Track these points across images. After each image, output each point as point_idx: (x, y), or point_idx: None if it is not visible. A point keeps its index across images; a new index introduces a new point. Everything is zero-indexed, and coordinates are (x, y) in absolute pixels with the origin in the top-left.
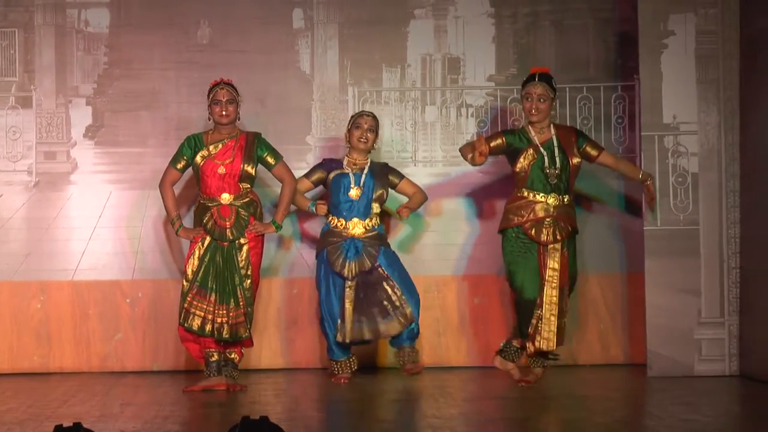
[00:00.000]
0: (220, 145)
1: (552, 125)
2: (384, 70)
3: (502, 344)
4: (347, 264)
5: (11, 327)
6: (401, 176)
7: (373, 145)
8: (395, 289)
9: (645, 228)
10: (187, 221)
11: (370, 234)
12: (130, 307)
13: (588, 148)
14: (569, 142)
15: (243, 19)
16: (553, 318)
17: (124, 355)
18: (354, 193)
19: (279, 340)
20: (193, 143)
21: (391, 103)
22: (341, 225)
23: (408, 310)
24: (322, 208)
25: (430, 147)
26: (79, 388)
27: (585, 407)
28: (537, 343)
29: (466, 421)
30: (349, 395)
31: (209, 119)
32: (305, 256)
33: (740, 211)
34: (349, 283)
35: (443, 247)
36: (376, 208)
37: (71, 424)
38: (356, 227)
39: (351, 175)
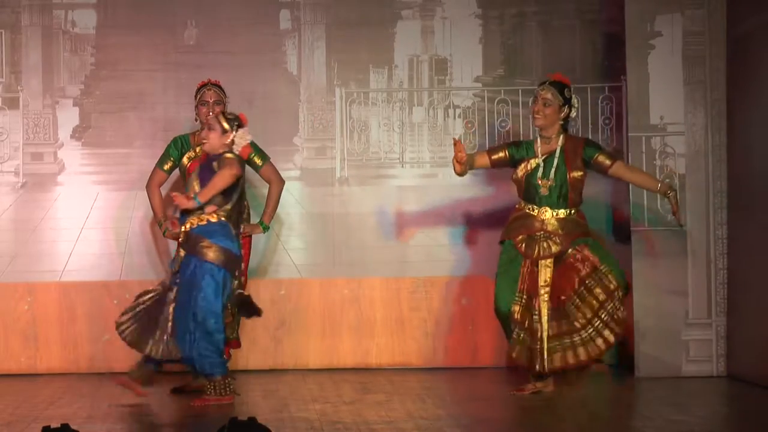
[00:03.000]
0: None
1: (563, 136)
2: (371, 71)
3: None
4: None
5: None
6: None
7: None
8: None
9: (632, 229)
10: None
11: (197, 227)
12: (118, 309)
13: (600, 158)
14: (575, 153)
15: (230, 20)
16: (554, 339)
17: (111, 356)
18: None
19: (267, 341)
20: (180, 144)
21: (379, 104)
22: None
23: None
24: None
25: (417, 148)
26: (66, 389)
27: (574, 408)
28: (538, 366)
29: (454, 422)
30: (335, 396)
31: (196, 120)
32: (293, 256)
33: (728, 212)
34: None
35: (431, 248)
36: (197, 190)
37: (59, 426)
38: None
39: None
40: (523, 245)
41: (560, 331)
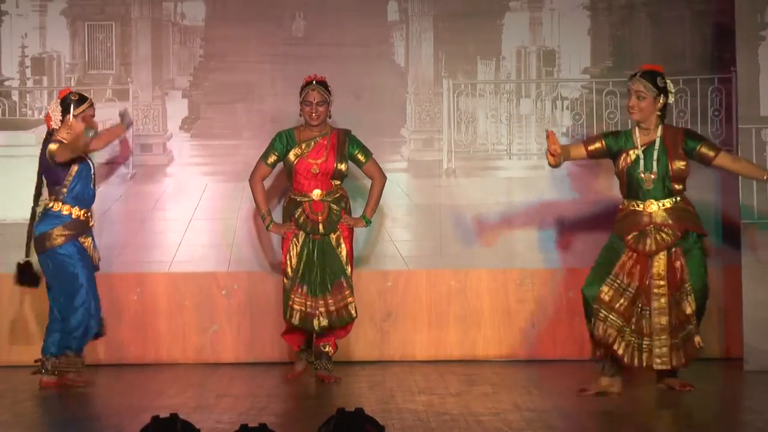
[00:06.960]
0: (313, 143)
1: (661, 126)
2: (479, 63)
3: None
4: None
5: (108, 319)
6: None
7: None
8: None
9: (742, 221)
10: (277, 213)
11: None
12: (226, 299)
13: (704, 150)
14: (675, 143)
15: (338, 11)
16: (664, 333)
17: (219, 346)
18: None
19: (373, 332)
20: (285, 140)
21: (486, 95)
22: None
23: None
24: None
25: (524, 140)
26: (175, 379)
27: (682, 401)
28: (648, 361)
29: (560, 414)
30: (442, 387)
31: (301, 116)
32: (399, 248)
33: None
34: None
35: (538, 239)
36: None
37: (168, 415)
38: None
39: None
40: (635, 242)
41: (670, 327)
